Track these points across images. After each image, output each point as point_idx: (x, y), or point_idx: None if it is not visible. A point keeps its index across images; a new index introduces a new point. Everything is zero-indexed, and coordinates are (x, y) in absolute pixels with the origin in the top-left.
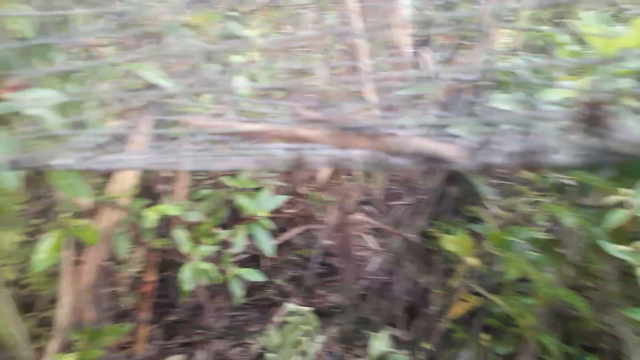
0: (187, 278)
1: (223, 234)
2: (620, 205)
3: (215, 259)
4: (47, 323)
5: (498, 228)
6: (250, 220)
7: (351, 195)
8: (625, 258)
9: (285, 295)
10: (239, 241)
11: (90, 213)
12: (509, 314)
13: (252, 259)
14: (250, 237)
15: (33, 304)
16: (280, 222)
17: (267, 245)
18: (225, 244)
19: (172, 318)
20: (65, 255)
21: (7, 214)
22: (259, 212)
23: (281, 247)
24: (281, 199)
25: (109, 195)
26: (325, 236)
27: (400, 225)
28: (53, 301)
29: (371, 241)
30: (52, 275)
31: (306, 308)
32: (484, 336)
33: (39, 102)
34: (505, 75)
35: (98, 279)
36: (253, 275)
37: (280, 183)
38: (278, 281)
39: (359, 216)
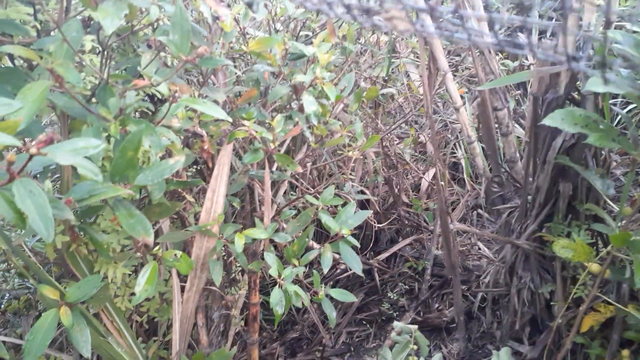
0: (278, 301)
1: (312, 254)
2: None
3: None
4: (170, 347)
5: (623, 227)
6: (337, 238)
7: (454, 202)
8: None
9: (401, 310)
10: (326, 261)
11: (186, 243)
12: None
13: (366, 273)
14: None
15: (156, 330)
16: (389, 233)
17: (355, 263)
18: (316, 264)
19: (293, 335)
20: (174, 283)
21: (112, 251)
22: (343, 230)
23: (392, 260)
24: (366, 214)
25: (201, 224)
26: (435, 246)
27: (510, 231)
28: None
29: (484, 249)
30: (169, 302)
31: (414, 326)
32: (625, 352)
33: (76, 152)
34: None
35: (209, 304)
36: (345, 296)
37: (370, 196)
38: (393, 295)
39: (465, 224)
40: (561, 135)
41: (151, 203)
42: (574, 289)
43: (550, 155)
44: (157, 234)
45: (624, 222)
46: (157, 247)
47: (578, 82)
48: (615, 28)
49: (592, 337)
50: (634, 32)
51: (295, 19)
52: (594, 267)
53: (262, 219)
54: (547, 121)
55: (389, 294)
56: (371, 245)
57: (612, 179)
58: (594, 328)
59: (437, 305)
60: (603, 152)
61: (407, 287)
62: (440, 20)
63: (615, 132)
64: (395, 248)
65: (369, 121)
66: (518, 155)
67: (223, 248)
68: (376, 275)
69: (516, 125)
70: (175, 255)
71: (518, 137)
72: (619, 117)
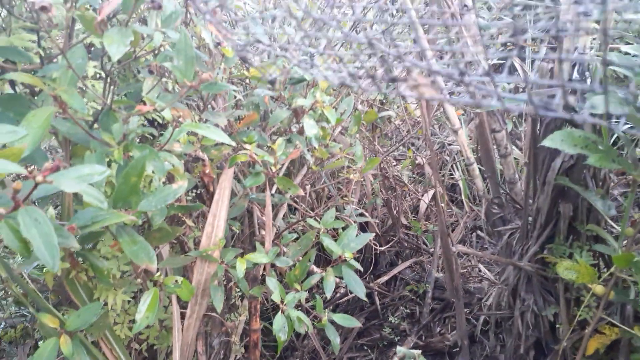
0: (281, 327)
1: (314, 279)
2: None
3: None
4: None
5: (625, 248)
6: (339, 261)
7: (453, 223)
8: None
9: (402, 334)
10: (328, 285)
11: (186, 268)
12: None
13: (367, 296)
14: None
15: (155, 358)
16: (389, 256)
17: (358, 287)
18: (318, 288)
19: None
20: (174, 310)
21: (112, 277)
22: (345, 253)
23: (392, 283)
24: (368, 237)
25: (202, 249)
26: (436, 268)
27: (512, 252)
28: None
29: (485, 271)
30: (168, 329)
31: (417, 351)
32: None
33: (81, 179)
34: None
35: (209, 330)
36: (348, 321)
37: (370, 218)
38: (394, 319)
39: (465, 246)
40: (560, 156)
41: (151, 228)
42: (579, 312)
43: (550, 176)
44: (157, 259)
45: (626, 243)
46: (157, 273)
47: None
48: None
49: None
50: (626, 53)
51: (295, 43)
52: (598, 288)
53: (262, 243)
54: (547, 142)
55: (390, 318)
56: (371, 268)
57: (611, 199)
58: (599, 351)
59: (439, 329)
60: (602, 173)
61: (408, 310)
62: (469, 85)
63: (615, 153)
64: (395, 271)
65: (366, 144)
66: (517, 176)
67: (223, 273)
68: (377, 299)
69: (515, 146)
70: (176, 281)
71: (516, 159)
72: (614, 137)
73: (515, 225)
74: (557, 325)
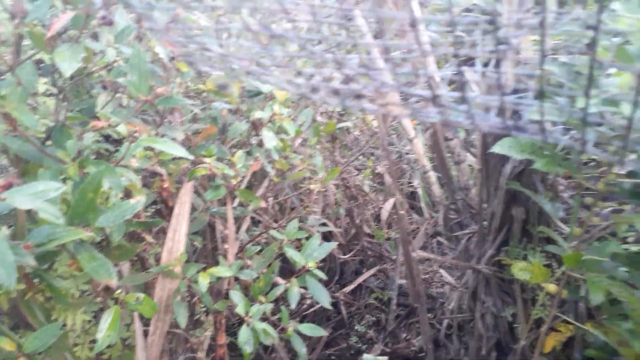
0: (246, 340)
1: (278, 290)
2: None
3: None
4: None
5: (574, 247)
6: (303, 271)
7: (414, 230)
8: None
9: (369, 342)
10: (293, 296)
11: (147, 285)
12: (608, 343)
13: (333, 306)
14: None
15: None
16: (353, 265)
17: (322, 296)
18: (285, 300)
19: None
20: (137, 328)
21: (70, 297)
22: (309, 263)
23: (358, 291)
24: (332, 246)
25: (163, 264)
26: (399, 275)
27: (470, 256)
28: None
29: (447, 276)
30: (131, 347)
31: (383, 358)
32: None
33: (36, 195)
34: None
35: (174, 347)
36: (314, 330)
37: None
38: (360, 327)
39: (426, 252)
40: (510, 162)
41: (110, 246)
42: (534, 310)
43: (502, 181)
44: (118, 277)
45: (575, 242)
46: (118, 291)
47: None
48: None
49: (556, 357)
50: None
51: (251, 57)
52: (551, 287)
53: (225, 257)
54: (496, 149)
55: (356, 327)
56: (336, 278)
57: (562, 202)
58: (556, 348)
59: (404, 335)
60: (550, 177)
61: (374, 318)
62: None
63: (560, 157)
64: (360, 279)
65: (327, 154)
66: (472, 182)
67: (186, 289)
68: (343, 308)
69: (468, 153)
70: (138, 298)
71: (471, 165)
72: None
73: (472, 230)
74: (515, 325)
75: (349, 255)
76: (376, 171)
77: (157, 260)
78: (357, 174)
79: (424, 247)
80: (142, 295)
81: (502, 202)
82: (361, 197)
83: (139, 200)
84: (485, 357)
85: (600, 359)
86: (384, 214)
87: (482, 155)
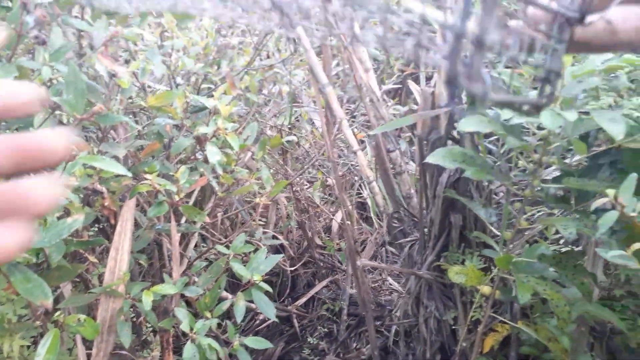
0: (191, 357)
1: (224, 305)
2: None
3: (222, 330)
4: None
5: (505, 250)
6: (250, 285)
7: (365, 240)
8: (621, 263)
9: (321, 354)
10: (239, 310)
11: (91, 307)
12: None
13: (286, 320)
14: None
15: None
16: (306, 277)
17: (268, 309)
18: (230, 314)
19: None
20: (79, 351)
21: (7, 322)
22: (254, 276)
23: (310, 304)
24: (277, 258)
25: (106, 284)
26: (350, 285)
27: (413, 263)
28: None
29: (394, 283)
30: None
31: None
32: None
33: None
34: None
35: None
36: (260, 343)
37: (283, 240)
38: (312, 340)
39: (375, 261)
40: (446, 171)
41: (50, 267)
42: (471, 312)
43: (439, 189)
44: (59, 299)
45: (507, 244)
46: (58, 313)
47: (456, 123)
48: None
49: (494, 357)
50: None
51: (195, 73)
52: (485, 289)
53: (171, 275)
54: (431, 159)
55: (309, 339)
56: (288, 291)
57: (499, 208)
58: (494, 348)
59: (355, 344)
60: (485, 184)
61: (326, 329)
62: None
63: (489, 166)
64: (312, 292)
65: (278, 168)
66: (413, 191)
67: (132, 309)
68: (295, 321)
69: (412, 163)
70: (79, 320)
71: (415, 175)
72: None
73: (414, 237)
74: (454, 327)
75: (298, 265)
76: (326, 183)
77: (101, 280)
78: (309, 187)
79: (374, 256)
80: (83, 317)
81: (441, 210)
82: (312, 209)
83: (77, 219)
84: None
85: (533, 355)
86: (335, 225)
87: (420, 166)
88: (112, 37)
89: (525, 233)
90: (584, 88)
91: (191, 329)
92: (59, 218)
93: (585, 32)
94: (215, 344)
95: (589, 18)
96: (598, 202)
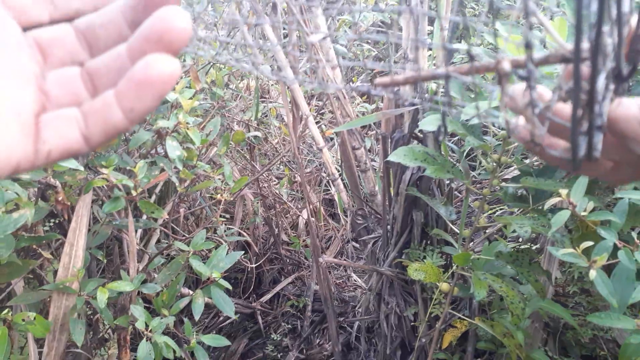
0: (146, 355)
1: (182, 302)
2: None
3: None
4: None
5: (464, 248)
6: (209, 282)
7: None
8: (571, 261)
9: (285, 350)
10: (197, 307)
11: (46, 304)
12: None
13: (250, 317)
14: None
15: None
16: (272, 274)
17: (226, 306)
18: (188, 311)
19: None
20: (31, 350)
21: None
22: (214, 273)
23: (276, 300)
24: (238, 255)
25: (59, 281)
26: (314, 282)
27: (376, 260)
28: None
29: (358, 280)
30: None
31: None
32: None
33: None
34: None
35: None
36: (218, 341)
37: (247, 237)
38: (276, 336)
39: (341, 258)
40: (409, 169)
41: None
42: (430, 308)
43: (402, 187)
44: (10, 296)
45: (465, 242)
46: (6, 311)
47: (419, 122)
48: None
49: (453, 352)
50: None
51: None
52: (444, 286)
53: (129, 271)
54: (392, 157)
55: (272, 336)
56: (252, 287)
57: (461, 206)
58: (452, 343)
59: (318, 340)
60: (446, 183)
61: (290, 326)
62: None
63: (449, 165)
64: (277, 288)
65: (245, 164)
66: (377, 189)
67: (89, 306)
68: (259, 318)
69: (377, 161)
70: (28, 317)
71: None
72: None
73: (378, 234)
74: (413, 324)
75: (263, 261)
76: (294, 180)
77: (56, 277)
78: (277, 183)
79: (340, 253)
80: (32, 314)
81: (403, 207)
82: (279, 206)
83: (23, 214)
84: (390, 356)
85: (490, 350)
86: (301, 221)
87: (384, 163)
88: None
89: (487, 231)
90: None
91: (147, 327)
92: (8, 212)
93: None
94: (171, 342)
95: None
96: (551, 201)
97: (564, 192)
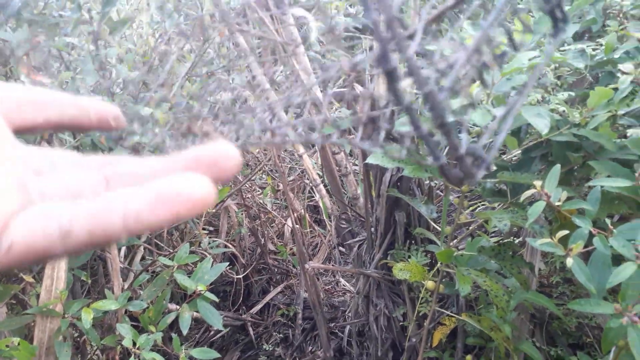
0: None
1: (169, 318)
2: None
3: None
4: None
5: (446, 245)
6: (195, 296)
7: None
8: (549, 250)
9: None
10: (184, 322)
11: (30, 328)
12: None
13: (241, 328)
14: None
15: None
16: (261, 284)
17: (213, 318)
18: (177, 328)
19: None
20: None
21: None
22: (199, 286)
23: (266, 310)
24: (223, 267)
25: (42, 304)
26: (303, 289)
27: (362, 262)
28: None
29: (346, 284)
30: None
31: None
32: (468, 357)
33: None
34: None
35: None
36: (206, 354)
37: (233, 249)
38: (268, 346)
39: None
40: (389, 170)
41: None
42: (418, 307)
43: (383, 189)
44: None
45: (448, 239)
46: None
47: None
48: None
49: (443, 350)
50: None
51: (131, 81)
52: (430, 284)
53: (113, 290)
54: (370, 159)
55: (264, 346)
56: (242, 299)
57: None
58: (442, 341)
59: (310, 348)
60: (426, 183)
61: (281, 335)
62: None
63: (426, 164)
64: (267, 298)
65: None
66: (359, 192)
67: (75, 328)
68: (250, 329)
69: (357, 164)
70: (13, 343)
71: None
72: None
73: (362, 237)
74: (402, 324)
75: (249, 271)
76: (278, 188)
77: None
78: (260, 193)
79: (327, 258)
80: (16, 340)
81: (385, 209)
82: (264, 215)
83: None
84: (382, 358)
85: (479, 345)
86: (287, 230)
87: (364, 166)
88: (34, 46)
89: (470, 227)
90: (513, 85)
91: (135, 345)
92: None
93: None
94: (160, 358)
95: None
96: (527, 194)
97: (538, 183)
